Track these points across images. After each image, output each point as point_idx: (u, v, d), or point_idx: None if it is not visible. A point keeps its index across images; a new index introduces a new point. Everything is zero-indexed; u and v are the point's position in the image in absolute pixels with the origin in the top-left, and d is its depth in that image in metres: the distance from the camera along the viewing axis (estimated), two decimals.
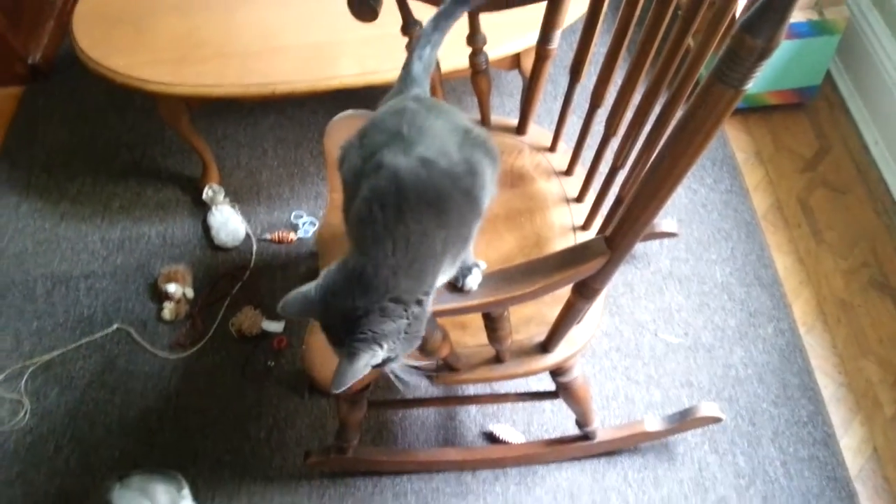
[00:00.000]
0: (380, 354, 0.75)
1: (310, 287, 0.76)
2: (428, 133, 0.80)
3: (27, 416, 1.65)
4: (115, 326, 1.77)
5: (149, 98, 1.67)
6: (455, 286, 0.87)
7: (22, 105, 2.29)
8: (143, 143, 2.14)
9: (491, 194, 0.86)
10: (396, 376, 0.83)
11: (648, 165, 0.75)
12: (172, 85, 1.60)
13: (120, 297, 1.82)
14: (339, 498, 1.51)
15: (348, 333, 0.74)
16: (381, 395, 1.62)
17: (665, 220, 1.78)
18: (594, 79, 1.16)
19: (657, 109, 1.02)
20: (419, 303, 0.76)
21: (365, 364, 0.75)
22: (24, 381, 1.70)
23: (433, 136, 0.80)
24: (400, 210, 0.75)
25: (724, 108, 0.63)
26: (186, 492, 1.46)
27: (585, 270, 0.84)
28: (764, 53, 0.56)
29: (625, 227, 0.80)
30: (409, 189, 0.76)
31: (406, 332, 0.76)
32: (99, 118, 2.21)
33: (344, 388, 0.75)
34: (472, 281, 0.87)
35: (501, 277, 0.87)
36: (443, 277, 0.81)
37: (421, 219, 0.75)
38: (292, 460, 1.56)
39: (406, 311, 0.75)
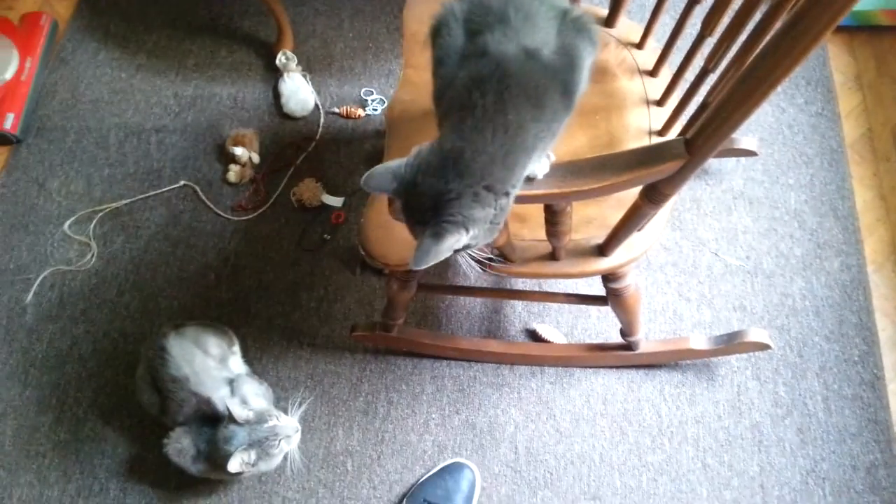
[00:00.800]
0: (464, 239, 0.76)
1: (399, 164, 0.77)
2: (532, 19, 0.79)
3: (94, 258, 1.73)
4: (181, 183, 1.81)
5: None
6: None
7: None
8: (222, 1, 2.11)
9: (584, 88, 0.83)
10: (470, 263, 0.84)
11: (744, 68, 0.70)
12: None
13: (188, 155, 1.85)
14: (380, 373, 1.57)
15: (436, 214, 0.74)
16: (430, 279, 1.64)
17: (746, 137, 1.70)
18: None
19: (759, 14, 0.95)
20: (507, 194, 0.77)
21: (449, 246, 0.75)
22: (92, 226, 1.77)
23: (537, 24, 0.79)
24: (501, 100, 0.75)
25: (837, 10, 0.58)
26: (237, 348, 1.53)
27: (659, 172, 0.80)
28: None
29: (708, 132, 0.76)
30: (511, 80, 0.76)
31: (491, 222, 0.77)
32: None
33: (424, 267, 0.75)
34: (540, 169, 0.84)
35: (570, 170, 0.84)
36: (526, 171, 0.80)
37: (520, 111, 0.75)
38: (339, 332, 1.61)
39: (496, 200, 0.76)
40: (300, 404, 1.45)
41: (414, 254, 0.75)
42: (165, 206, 1.79)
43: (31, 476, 1.51)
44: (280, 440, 1.31)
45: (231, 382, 1.43)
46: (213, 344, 1.47)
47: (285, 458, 1.37)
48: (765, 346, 1.46)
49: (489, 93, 0.75)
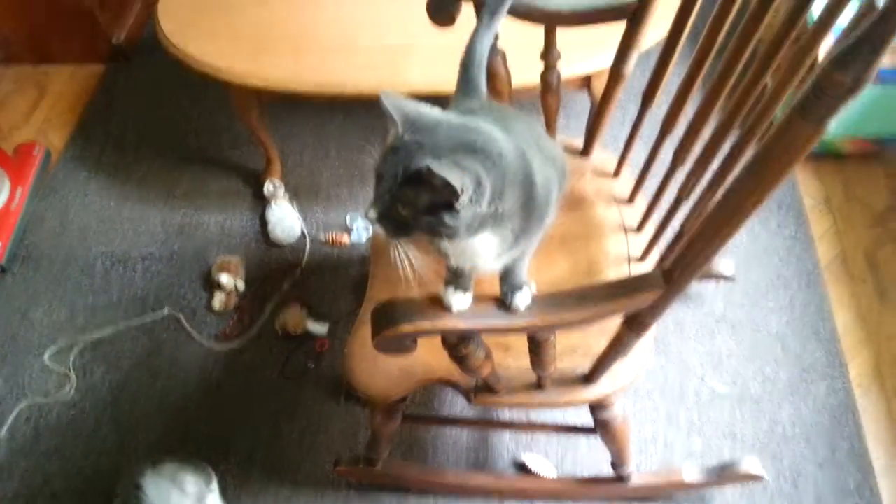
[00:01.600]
0: (466, 193, 0.69)
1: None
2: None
3: (72, 390, 1.69)
4: (165, 311, 1.80)
5: (222, 87, 1.70)
6: (503, 304, 0.86)
7: (102, 83, 2.38)
8: (212, 131, 2.19)
9: (551, 216, 0.85)
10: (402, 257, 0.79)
11: (716, 200, 0.72)
12: (246, 76, 1.63)
13: (173, 283, 1.85)
14: None
15: (454, 157, 0.70)
16: (415, 409, 1.61)
17: (723, 261, 1.73)
18: (664, 108, 1.14)
19: (728, 144, 0.99)
20: (496, 210, 0.73)
21: (458, 178, 0.67)
22: (73, 356, 1.74)
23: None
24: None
25: (802, 145, 0.60)
26: (215, 485, 1.47)
27: (639, 303, 0.81)
28: (852, 90, 0.53)
29: (684, 262, 0.77)
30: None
31: (475, 210, 0.71)
32: (173, 103, 2.28)
33: (440, 173, 0.66)
34: (521, 301, 0.85)
35: (551, 301, 0.85)
36: (490, 252, 0.80)
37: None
38: (321, 466, 1.56)
39: (495, 199, 0.72)
40: None
41: (430, 161, 0.69)
42: (148, 335, 1.77)
43: None
44: None
45: None
46: (191, 482, 1.42)
47: None
48: (758, 477, 1.42)
49: None
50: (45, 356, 1.74)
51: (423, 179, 0.68)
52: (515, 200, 0.76)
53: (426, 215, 0.72)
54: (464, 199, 0.69)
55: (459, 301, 0.86)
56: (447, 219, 0.71)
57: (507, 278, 0.91)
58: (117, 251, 1.93)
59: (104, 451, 1.60)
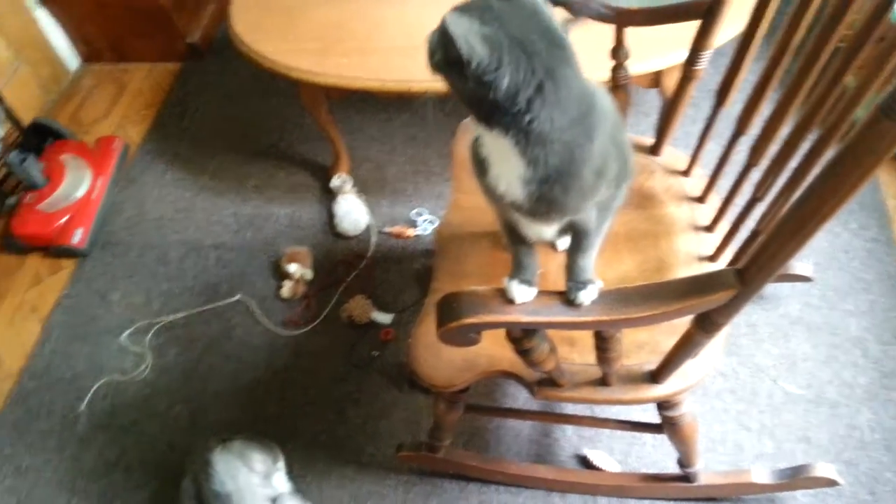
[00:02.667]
0: (484, 56, 0.68)
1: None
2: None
3: (147, 369, 1.76)
4: (237, 297, 1.85)
5: (292, 84, 1.74)
6: (568, 299, 0.85)
7: (178, 81, 2.46)
8: (282, 127, 2.24)
9: (600, 196, 0.85)
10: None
11: (794, 200, 0.70)
12: (315, 74, 1.66)
13: (244, 271, 1.91)
14: (425, 496, 1.52)
15: (500, 28, 0.70)
16: (478, 399, 1.61)
17: (800, 262, 1.67)
18: (738, 106, 1.11)
19: (806, 145, 0.96)
20: (518, 112, 0.71)
21: (478, 36, 0.68)
22: (149, 337, 1.81)
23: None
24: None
25: (887, 145, 0.58)
26: (282, 464, 1.51)
27: (711, 302, 0.79)
28: None
29: (760, 262, 0.75)
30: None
31: (494, 86, 0.70)
32: (245, 100, 2.34)
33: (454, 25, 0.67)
34: (586, 296, 0.84)
35: (618, 297, 0.84)
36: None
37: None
38: (384, 451, 1.58)
39: (518, 99, 0.71)
40: None
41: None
42: (220, 319, 1.83)
43: None
44: None
45: (274, 501, 1.40)
46: (259, 460, 1.46)
47: None
48: (833, 483, 1.37)
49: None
50: (123, 337, 1.82)
51: (445, 32, 0.69)
52: (556, 129, 0.73)
53: (449, 72, 0.73)
54: (472, 64, 0.68)
55: (523, 294, 0.86)
56: (456, 78, 0.72)
57: (573, 273, 0.90)
58: (191, 240, 2.00)
59: (177, 427, 1.67)
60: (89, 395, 1.73)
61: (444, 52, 0.71)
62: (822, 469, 1.36)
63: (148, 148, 2.25)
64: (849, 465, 1.47)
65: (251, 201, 2.06)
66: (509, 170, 0.79)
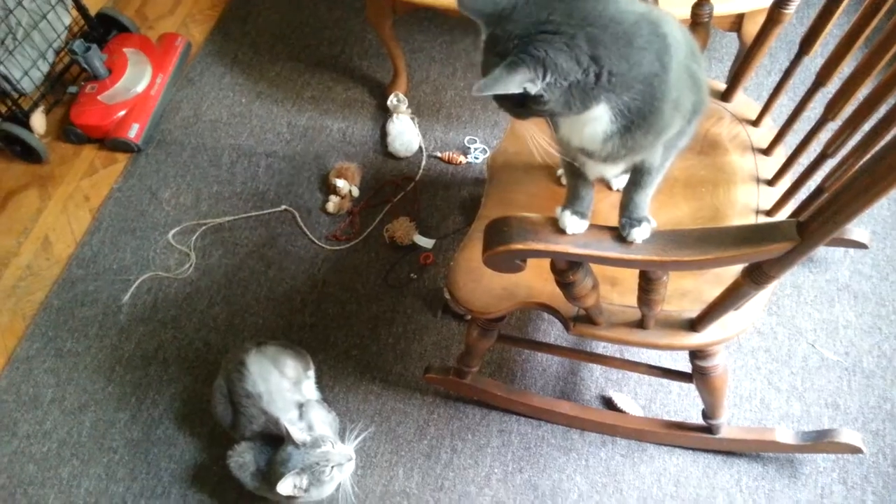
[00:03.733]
0: (536, 85, 0.70)
1: None
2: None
3: (191, 268, 1.81)
4: (282, 207, 1.87)
5: None
6: (620, 235, 0.84)
7: None
8: (345, 40, 2.21)
9: (676, 130, 0.83)
10: (539, 144, 0.82)
11: (869, 156, 0.67)
12: None
13: (293, 182, 1.92)
14: (448, 418, 1.55)
15: (520, 47, 0.69)
16: (510, 331, 1.63)
17: (857, 228, 1.62)
18: (818, 60, 1.06)
19: (885, 107, 0.91)
20: (599, 71, 0.71)
21: (518, 82, 0.69)
22: (195, 238, 1.85)
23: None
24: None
25: None
26: (312, 372, 1.55)
27: (767, 252, 0.77)
28: None
29: (823, 217, 0.72)
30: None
31: (570, 85, 0.71)
32: (310, 8, 2.31)
33: (483, 94, 0.69)
34: (639, 234, 0.83)
35: (672, 238, 0.82)
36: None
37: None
38: (412, 371, 1.61)
39: (587, 67, 0.70)
40: (358, 434, 1.45)
41: (481, 80, 0.69)
42: (265, 227, 1.85)
43: (100, 469, 1.56)
44: (332, 467, 1.31)
45: (301, 406, 1.44)
46: (291, 366, 1.50)
47: (338, 488, 1.36)
48: (856, 450, 1.37)
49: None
50: (170, 234, 1.86)
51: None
52: (633, 68, 0.72)
53: (521, 107, 0.74)
54: (538, 88, 0.69)
55: (575, 225, 0.85)
56: (538, 106, 0.73)
57: (627, 209, 0.89)
58: (244, 146, 2.01)
59: (214, 327, 1.72)
60: (133, 287, 1.79)
61: (504, 98, 0.73)
62: (848, 435, 1.36)
63: (209, 49, 2.25)
64: (875, 435, 1.46)
65: (306, 112, 2.06)
66: (590, 129, 0.78)
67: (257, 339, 1.54)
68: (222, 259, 1.82)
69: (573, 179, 0.94)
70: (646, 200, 0.89)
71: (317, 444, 1.33)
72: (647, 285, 0.91)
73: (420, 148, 1.93)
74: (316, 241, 1.82)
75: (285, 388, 1.45)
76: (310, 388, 1.52)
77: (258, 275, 1.78)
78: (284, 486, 1.28)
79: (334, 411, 1.52)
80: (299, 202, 1.88)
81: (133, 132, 2.00)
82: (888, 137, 0.65)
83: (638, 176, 0.90)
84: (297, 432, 1.32)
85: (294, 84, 2.12)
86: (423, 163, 1.91)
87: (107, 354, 1.70)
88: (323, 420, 1.44)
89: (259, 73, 2.16)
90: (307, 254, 1.80)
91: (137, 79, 2.08)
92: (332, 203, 1.84)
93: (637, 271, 0.91)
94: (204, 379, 1.63)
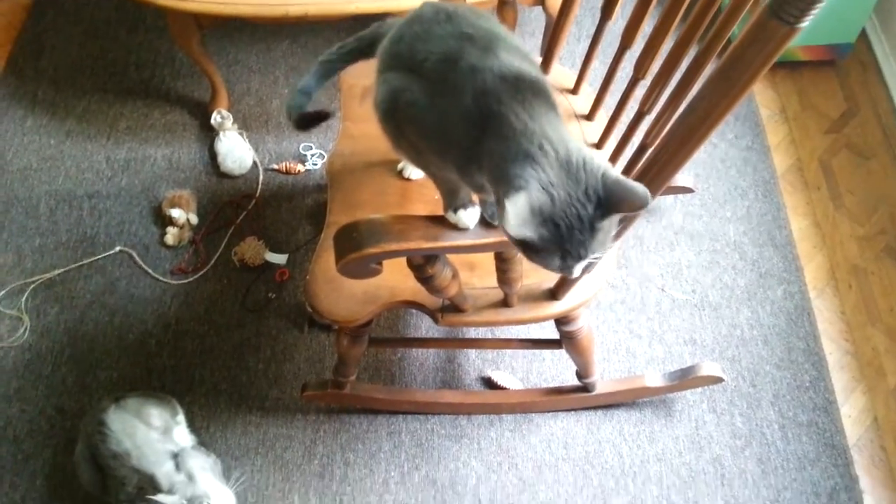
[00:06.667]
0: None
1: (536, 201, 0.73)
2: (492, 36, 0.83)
3: (27, 332, 1.65)
4: (117, 248, 1.75)
5: (160, 15, 1.60)
6: (484, 220, 0.85)
7: (31, 16, 2.22)
8: (153, 63, 2.08)
9: None
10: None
11: (682, 109, 0.71)
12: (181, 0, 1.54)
13: (123, 220, 1.79)
14: (334, 433, 1.52)
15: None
16: (381, 332, 1.61)
17: (682, 174, 1.74)
18: (620, 23, 1.12)
19: (686, 60, 0.98)
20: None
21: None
22: (24, 299, 1.69)
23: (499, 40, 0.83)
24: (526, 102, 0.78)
25: (776, 46, 0.59)
26: (181, 417, 1.46)
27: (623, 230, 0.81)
28: None
29: (650, 175, 0.76)
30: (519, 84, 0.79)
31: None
32: (109, 34, 2.15)
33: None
34: (468, 217, 0.85)
35: None
36: None
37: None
38: (289, 393, 1.56)
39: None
40: (238, 479, 1.39)
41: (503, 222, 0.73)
42: (101, 273, 1.72)
43: None
44: None
45: (176, 456, 1.35)
46: (156, 415, 1.41)
47: None
48: (718, 380, 1.47)
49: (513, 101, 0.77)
50: None
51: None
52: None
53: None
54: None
55: (471, 217, 0.87)
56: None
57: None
58: (62, 190, 1.85)
59: (65, 391, 1.58)
60: None
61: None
62: (708, 368, 1.46)
63: (3, 92, 2.04)
64: (732, 361, 1.58)
65: (125, 144, 1.92)
66: None
67: (115, 395, 1.43)
68: (60, 316, 1.67)
69: (447, 185, 0.93)
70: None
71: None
72: (503, 265, 0.93)
73: (254, 162, 1.86)
74: (160, 278, 1.71)
75: (154, 439, 1.36)
76: (182, 435, 1.43)
77: (103, 325, 1.65)
78: None
79: (213, 453, 1.43)
80: (134, 240, 1.76)
81: None
82: (695, 89, 0.69)
83: None
84: (171, 500, 1.24)
85: (105, 116, 1.98)
86: (261, 177, 1.84)
87: None
88: (202, 466, 1.36)
89: (65, 111, 1.99)
90: (153, 293, 1.69)
91: None
92: (171, 235, 1.73)
93: (492, 253, 0.92)
94: (64, 448, 1.50)
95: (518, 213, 0.69)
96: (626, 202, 0.71)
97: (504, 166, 0.73)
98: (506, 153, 0.74)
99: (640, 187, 0.70)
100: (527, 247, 0.75)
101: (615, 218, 0.74)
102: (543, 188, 0.71)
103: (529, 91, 0.78)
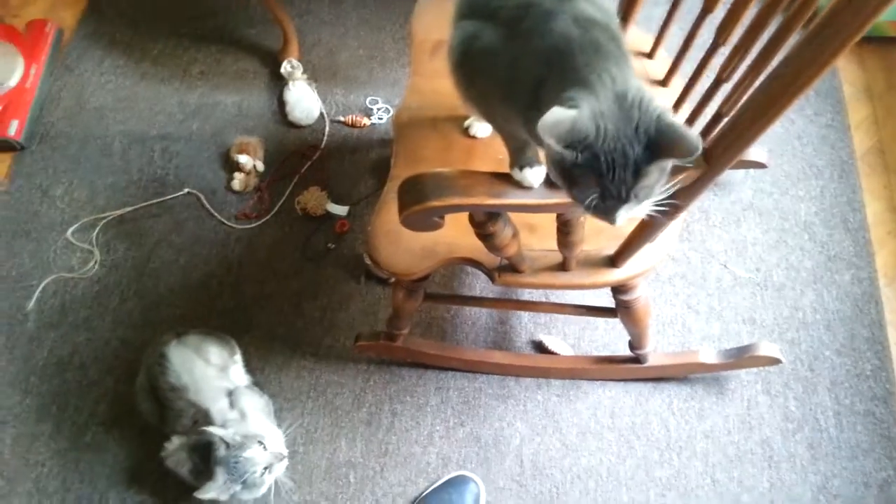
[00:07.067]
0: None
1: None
2: None
3: (96, 266, 1.72)
4: (185, 190, 1.79)
5: None
6: (549, 180, 0.84)
7: None
8: (228, 10, 2.11)
9: None
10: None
11: (764, 76, 0.68)
12: None
13: (192, 163, 1.84)
14: (384, 384, 1.54)
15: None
16: (436, 288, 1.62)
17: (755, 148, 1.68)
18: None
19: (770, 30, 0.94)
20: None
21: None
22: (95, 233, 1.75)
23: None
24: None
25: (869, 14, 0.56)
26: (238, 357, 1.51)
27: (676, 182, 0.79)
28: None
29: (726, 142, 0.74)
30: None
31: None
32: None
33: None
34: (533, 176, 0.84)
35: None
36: None
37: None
38: (342, 342, 1.59)
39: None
40: (290, 428, 1.44)
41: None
42: (169, 214, 1.77)
43: (29, 485, 1.48)
44: (262, 470, 1.28)
45: (230, 394, 1.40)
46: (215, 353, 1.45)
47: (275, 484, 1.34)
48: (775, 361, 1.44)
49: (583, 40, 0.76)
50: (69, 233, 1.76)
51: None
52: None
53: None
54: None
55: (536, 176, 0.86)
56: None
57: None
58: (135, 131, 1.91)
59: (130, 324, 1.64)
60: (37, 293, 1.69)
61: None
62: (766, 348, 1.42)
63: (84, 32, 2.10)
64: (791, 344, 1.55)
65: (196, 89, 1.96)
66: None
67: (176, 330, 1.48)
68: (128, 252, 1.73)
69: (514, 141, 0.93)
70: None
71: (245, 446, 1.28)
72: (565, 227, 0.92)
73: (321, 114, 1.88)
74: (226, 222, 1.75)
75: (211, 376, 1.41)
76: (238, 374, 1.48)
77: (169, 264, 1.71)
78: (204, 493, 1.26)
79: (266, 394, 1.48)
80: (202, 183, 1.81)
81: (13, 129, 1.86)
82: (778, 57, 0.67)
83: None
84: (225, 434, 1.28)
85: (180, 60, 2.02)
86: (327, 129, 1.86)
87: (19, 367, 1.60)
88: (255, 406, 1.41)
89: (141, 53, 2.04)
90: (218, 236, 1.74)
91: (9, 72, 1.92)
92: (238, 180, 1.77)
93: (554, 215, 0.91)
94: (126, 378, 1.57)
95: (557, 119, 0.68)
96: (675, 147, 0.68)
97: (561, 93, 0.73)
98: (565, 82, 0.73)
99: (692, 133, 0.68)
100: (565, 173, 0.73)
101: (665, 164, 0.71)
102: (593, 117, 0.69)
103: (602, 34, 0.77)
